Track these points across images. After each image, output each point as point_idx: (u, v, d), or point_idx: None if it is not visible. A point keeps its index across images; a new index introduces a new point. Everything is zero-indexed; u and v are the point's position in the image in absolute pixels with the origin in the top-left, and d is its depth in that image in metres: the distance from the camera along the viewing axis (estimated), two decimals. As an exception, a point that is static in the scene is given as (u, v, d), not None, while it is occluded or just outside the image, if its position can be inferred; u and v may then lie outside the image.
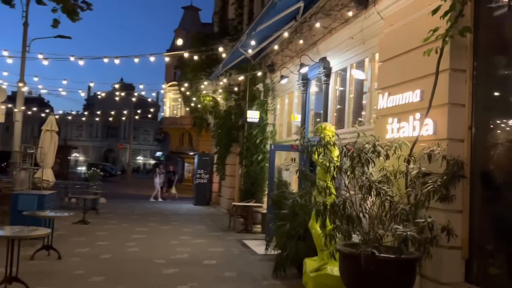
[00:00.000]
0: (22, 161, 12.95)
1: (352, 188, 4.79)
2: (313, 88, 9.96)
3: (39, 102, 48.61)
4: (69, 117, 42.90)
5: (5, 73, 17.36)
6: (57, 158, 28.64)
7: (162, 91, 49.72)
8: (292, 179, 10.72)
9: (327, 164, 5.31)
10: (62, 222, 11.23)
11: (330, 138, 5.81)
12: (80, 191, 14.59)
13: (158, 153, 71.43)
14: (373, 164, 4.62)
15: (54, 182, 12.77)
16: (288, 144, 10.55)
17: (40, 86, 16.22)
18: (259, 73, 11.90)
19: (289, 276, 6.47)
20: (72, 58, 12.78)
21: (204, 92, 15.03)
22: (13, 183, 11.34)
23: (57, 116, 16.48)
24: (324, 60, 8.76)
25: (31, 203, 8.48)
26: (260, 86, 12.44)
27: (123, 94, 22.33)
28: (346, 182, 4.72)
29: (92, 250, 8.01)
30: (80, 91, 15.42)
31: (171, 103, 48.87)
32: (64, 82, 16.22)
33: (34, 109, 20.19)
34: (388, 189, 4.46)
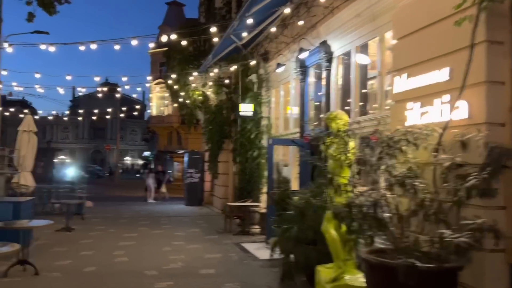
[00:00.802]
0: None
1: (373, 184, 4.06)
2: (312, 76, 9.23)
3: (22, 104, 47.09)
4: (51, 118, 41.21)
5: None
6: (41, 161, 27.48)
7: (148, 88, 48.57)
8: (291, 176, 10.00)
9: (342, 157, 4.58)
10: (44, 230, 10.30)
11: (342, 128, 5.09)
12: (65, 195, 13.65)
13: (146, 153, 70.16)
14: (403, 156, 3.89)
15: (34, 186, 11.82)
16: (287, 138, 9.81)
17: (15, 86, 14.99)
18: (252, 63, 11.11)
19: (298, 285, 5.74)
20: (43, 46, 11.74)
21: (193, 85, 14.17)
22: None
23: (36, 117, 15.47)
24: (324, 44, 8.03)
25: (6, 212, 7.61)
26: (253, 77, 11.66)
27: (108, 93, 21.22)
28: (374, 178, 3.96)
29: (75, 262, 7.18)
30: (58, 88, 14.32)
31: (158, 101, 47.86)
32: (43, 80, 15.30)
33: (12, 109, 19.03)
34: (422, 185, 3.74)
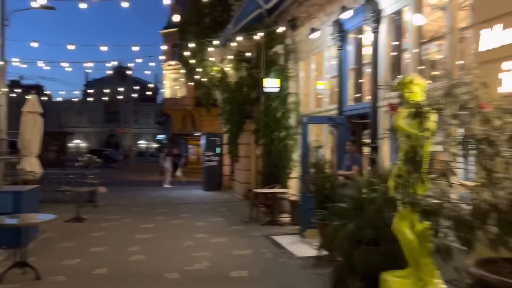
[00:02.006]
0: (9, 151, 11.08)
1: (489, 174, 2.86)
2: (353, 42, 7.94)
3: (37, 90, 46.39)
4: (61, 100, 40.59)
5: None
6: (53, 145, 26.65)
7: (161, 70, 47.50)
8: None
9: (425, 134, 3.39)
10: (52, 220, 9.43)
11: (419, 95, 3.85)
12: (76, 181, 12.68)
13: (160, 136, 69.52)
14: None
15: (41, 173, 10.88)
16: (323, 116, 8.59)
17: (15, 61, 14.00)
18: (280, 29, 9.81)
19: (356, 294, 4.61)
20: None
21: (211, 59, 12.94)
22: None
23: (44, 99, 14.49)
24: (370, 1, 6.71)
25: (4, 204, 6.61)
26: (279, 49, 10.37)
27: (121, 77, 20.18)
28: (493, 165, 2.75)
29: (84, 261, 6.17)
30: (65, 66, 13.33)
31: (171, 83, 46.79)
32: (64, 64, 14.29)
33: (18, 90, 18.13)
34: None
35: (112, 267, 5.88)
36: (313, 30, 8.26)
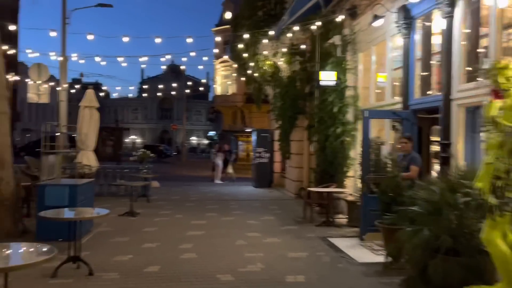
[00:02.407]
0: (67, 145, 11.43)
1: None
2: (421, 29, 7.25)
3: (96, 87, 48.51)
4: (116, 96, 42.14)
5: (52, 55, 15.75)
6: (110, 140, 27.68)
7: (212, 68, 48.06)
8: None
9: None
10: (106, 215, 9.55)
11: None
12: (131, 176, 12.85)
13: (211, 133, 70.61)
14: None
15: (97, 166, 11.12)
16: (386, 110, 7.98)
17: (81, 60, 14.44)
18: (339, 18, 9.26)
19: (430, 310, 4.07)
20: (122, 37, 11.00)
21: (264, 53, 12.59)
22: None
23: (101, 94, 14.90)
24: (444, -17, 6.03)
25: (61, 197, 6.70)
26: (336, 40, 9.81)
27: (174, 75, 20.50)
28: None
29: (136, 257, 6.06)
30: (123, 62, 13.58)
31: (222, 80, 47.20)
32: (120, 59, 14.66)
33: (77, 86, 18.83)
34: None
35: (164, 265, 5.70)
36: (376, 17, 7.64)
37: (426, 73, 7.22)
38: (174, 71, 65.41)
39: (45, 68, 14.39)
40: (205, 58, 26.52)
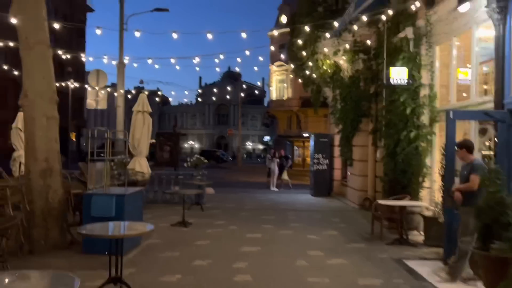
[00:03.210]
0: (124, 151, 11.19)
1: None
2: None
3: (156, 94, 49.75)
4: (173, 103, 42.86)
5: (113, 62, 15.89)
6: (167, 145, 27.95)
7: (268, 72, 47.60)
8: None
9: None
10: (159, 223, 9.12)
11: None
12: (185, 182, 12.41)
13: (266, 138, 70.20)
14: None
15: (150, 173, 10.76)
16: (477, 110, 6.77)
17: (135, 64, 14.37)
18: (411, 8, 8.15)
19: None
20: (174, 36, 10.80)
21: (325, 50, 11.64)
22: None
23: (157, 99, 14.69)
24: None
25: (107, 207, 6.23)
26: (408, 32, 8.68)
27: (230, 81, 20.19)
28: None
29: (185, 278, 5.41)
30: (175, 64, 13.31)
31: (278, 84, 46.60)
32: (172, 60, 14.52)
33: (131, 89, 18.94)
34: None
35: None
36: (460, 1, 6.48)
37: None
38: (230, 77, 66.04)
39: (104, 74, 14.49)
40: (260, 58, 26.08)
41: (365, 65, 11.44)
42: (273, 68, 46.44)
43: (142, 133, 10.07)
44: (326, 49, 11.56)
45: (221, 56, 11.71)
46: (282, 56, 42.92)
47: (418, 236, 7.98)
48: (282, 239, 7.94)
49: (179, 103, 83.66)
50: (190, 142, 79.82)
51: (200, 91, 70.49)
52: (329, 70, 13.00)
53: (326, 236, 8.24)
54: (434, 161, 8.56)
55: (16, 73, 15.62)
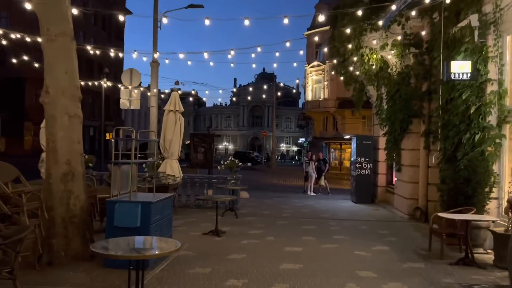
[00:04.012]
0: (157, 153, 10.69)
1: None
2: None
3: (192, 96, 49.74)
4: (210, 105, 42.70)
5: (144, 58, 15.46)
6: (202, 147, 27.50)
7: (303, 73, 46.56)
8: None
9: None
10: (190, 231, 8.46)
11: None
12: (219, 187, 11.71)
13: (301, 140, 68.98)
14: None
15: (182, 177, 10.12)
16: None
17: (166, 60, 13.83)
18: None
19: None
20: (207, 22, 10.16)
21: (374, 42, 10.62)
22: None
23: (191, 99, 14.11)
24: None
25: (132, 216, 5.58)
26: (472, 20, 7.57)
27: (265, 83, 19.43)
28: None
29: (216, 302, 4.64)
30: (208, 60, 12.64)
31: (314, 85, 45.45)
32: (205, 55, 13.88)
33: (167, 91, 18.55)
34: None
35: (251, 319, 4.19)
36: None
37: None
38: (265, 78, 65.42)
39: (137, 73, 14.10)
40: (295, 59, 25.24)
41: (417, 60, 10.34)
42: (309, 68, 45.38)
43: (174, 134, 9.46)
44: (374, 41, 10.53)
45: (259, 49, 10.87)
46: (320, 55, 41.79)
47: (484, 253, 6.88)
48: (326, 254, 7.04)
49: (214, 104, 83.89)
50: (225, 143, 79.89)
51: (234, 90, 70.27)
52: (374, 66, 11.95)
53: (376, 252, 7.26)
54: (503, 168, 7.43)
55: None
